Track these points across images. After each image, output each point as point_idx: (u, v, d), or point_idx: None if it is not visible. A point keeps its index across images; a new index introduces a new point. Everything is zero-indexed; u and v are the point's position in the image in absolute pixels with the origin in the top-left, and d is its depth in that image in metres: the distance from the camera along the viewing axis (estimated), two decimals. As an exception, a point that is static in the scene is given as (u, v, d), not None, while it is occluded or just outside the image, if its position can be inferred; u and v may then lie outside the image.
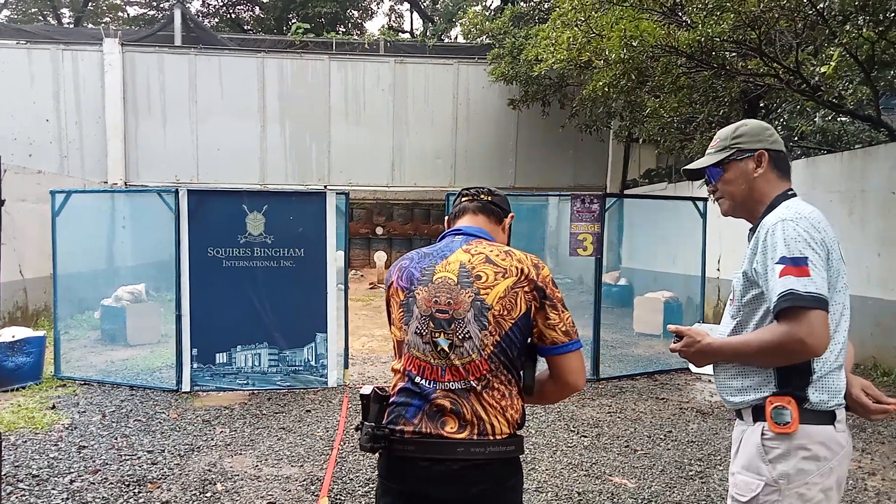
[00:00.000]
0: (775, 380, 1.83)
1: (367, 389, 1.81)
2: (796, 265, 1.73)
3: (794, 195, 1.95)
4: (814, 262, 1.73)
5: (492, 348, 1.78)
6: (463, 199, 2.04)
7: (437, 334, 1.80)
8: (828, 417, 1.81)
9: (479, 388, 1.77)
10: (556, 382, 1.88)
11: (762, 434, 1.83)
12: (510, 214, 2.07)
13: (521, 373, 1.86)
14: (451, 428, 1.77)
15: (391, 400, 1.85)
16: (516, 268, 1.82)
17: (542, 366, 1.90)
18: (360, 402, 1.86)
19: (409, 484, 1.81)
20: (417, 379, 1.82)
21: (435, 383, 1.79)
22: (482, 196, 2.02)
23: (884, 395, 1.93)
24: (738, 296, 1.93)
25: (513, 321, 1.79)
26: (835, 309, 1.80)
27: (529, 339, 1.88)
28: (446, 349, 1.79)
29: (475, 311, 1.79)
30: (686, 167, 2.15)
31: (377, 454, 1.87)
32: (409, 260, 1.95)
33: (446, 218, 2.10)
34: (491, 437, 1.77)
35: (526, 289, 1.80)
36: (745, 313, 1.93)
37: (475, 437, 1.76)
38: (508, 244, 2.04)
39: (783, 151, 1.99)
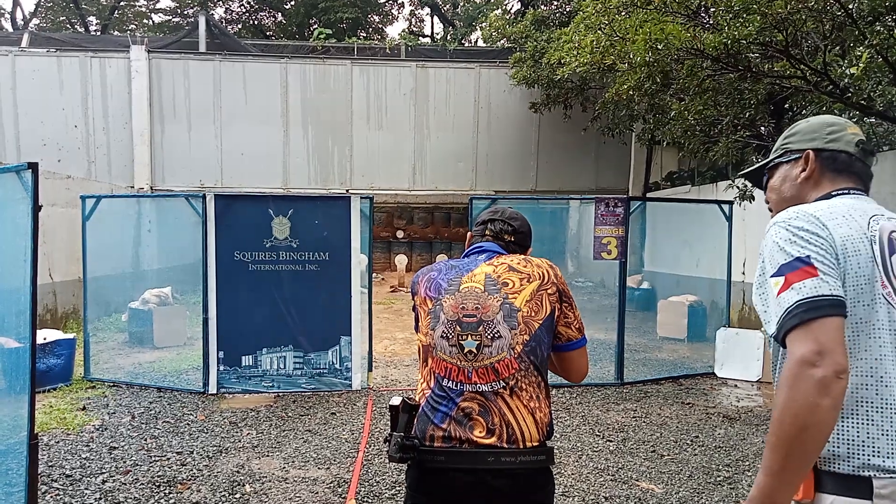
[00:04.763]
0: None
1: (396, 400, 1.82)
2: (798, 267, 1.32)
3: (839, 194, 1.51)
4: (819, 259, 1.32)
5: (522, 347, 1.82)
6: (487, 232, 2.07)
7: (463, 337, 1.84)
8: (856, 487, 1.29)
9: (508, 387, 1.80)
10: (566, 374, 2.02)
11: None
12: (529, 249, 2.13)
13: None
14: (480, 432, 1.78)
15: (420, 408, 1.87)
16: (537, 273, 1.91)
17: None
18: (386, 409, 1.88)
19: (439, 495, 1.82)
20: (445, 382, 1.84)
21: (462, 385, 1.82)
22: (506, 237, 2.06)
23: None
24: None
25: (540, 322, 1.86)
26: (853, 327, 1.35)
27: None
28: (474, 350, 1.82)
29: (504, 313, 1.84)
30: (740, 173, 1.83)
31: (406, 465, 1.87)
32: (436, 272, 2.00)
33: (469, 234, 2.15)
34: (521, 446, 1.77)
35: (549, 291, 1.89)
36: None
37: (504, 444, 1.76)
38: None
39: (844, 152, 1.56)
